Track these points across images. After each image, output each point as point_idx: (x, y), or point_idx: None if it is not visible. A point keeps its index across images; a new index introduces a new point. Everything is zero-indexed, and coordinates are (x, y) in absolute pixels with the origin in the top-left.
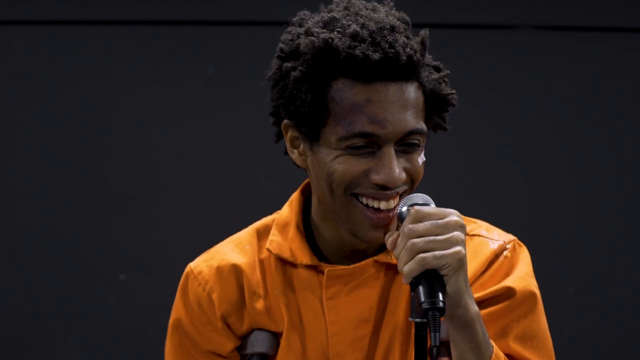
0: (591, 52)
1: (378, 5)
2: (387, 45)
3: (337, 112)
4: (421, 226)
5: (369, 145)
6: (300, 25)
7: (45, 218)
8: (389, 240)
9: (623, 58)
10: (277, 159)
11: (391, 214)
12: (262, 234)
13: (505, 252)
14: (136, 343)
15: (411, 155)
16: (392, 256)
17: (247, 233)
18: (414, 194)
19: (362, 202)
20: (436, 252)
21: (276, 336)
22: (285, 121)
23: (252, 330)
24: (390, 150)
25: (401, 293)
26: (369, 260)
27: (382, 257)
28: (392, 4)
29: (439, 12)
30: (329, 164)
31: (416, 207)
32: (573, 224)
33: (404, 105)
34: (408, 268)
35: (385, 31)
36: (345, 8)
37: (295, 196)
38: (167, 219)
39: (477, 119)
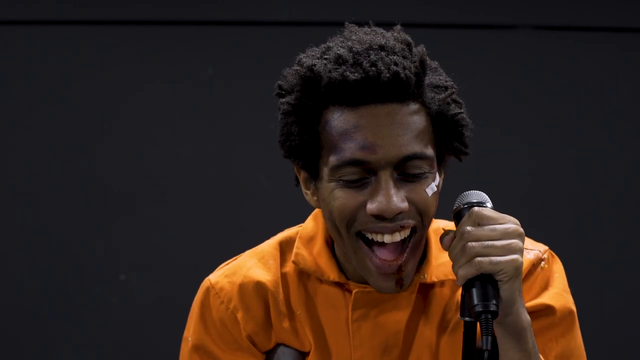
0: (591, 52)
1: (380, 30)
2: (368, 64)
3: (329, 143)
4: (480, 230)
5: (365, 174)
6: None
7: (45, 218)
8: (444, 239)
9: (623, 58)
10: (278, 159)
11: (399, 261)
12: (285, 247)
13: (542, 263)
14: (136, 343)
15: (415, 185)
16: (425, 276)
17: (269, 246)
18: (469, 191)
19: (367, 238)
20: (493, 258)
21: (302, 355)
22: (295, 163)
23: (277, 345)
24: (386, 177)
25: (431, 314)
26: None
27: (415, 278)
28: (399, 27)
29: (439, 12)
30: (327, 199)
31: (476, 209)
32: (572, 223)
33: (398, 128)
34: (463, 271)
35: (371, 51)
36: (343, 35)
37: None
38: (167, 218)
39: (476, 119)
